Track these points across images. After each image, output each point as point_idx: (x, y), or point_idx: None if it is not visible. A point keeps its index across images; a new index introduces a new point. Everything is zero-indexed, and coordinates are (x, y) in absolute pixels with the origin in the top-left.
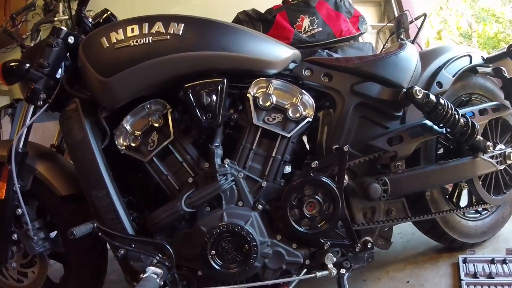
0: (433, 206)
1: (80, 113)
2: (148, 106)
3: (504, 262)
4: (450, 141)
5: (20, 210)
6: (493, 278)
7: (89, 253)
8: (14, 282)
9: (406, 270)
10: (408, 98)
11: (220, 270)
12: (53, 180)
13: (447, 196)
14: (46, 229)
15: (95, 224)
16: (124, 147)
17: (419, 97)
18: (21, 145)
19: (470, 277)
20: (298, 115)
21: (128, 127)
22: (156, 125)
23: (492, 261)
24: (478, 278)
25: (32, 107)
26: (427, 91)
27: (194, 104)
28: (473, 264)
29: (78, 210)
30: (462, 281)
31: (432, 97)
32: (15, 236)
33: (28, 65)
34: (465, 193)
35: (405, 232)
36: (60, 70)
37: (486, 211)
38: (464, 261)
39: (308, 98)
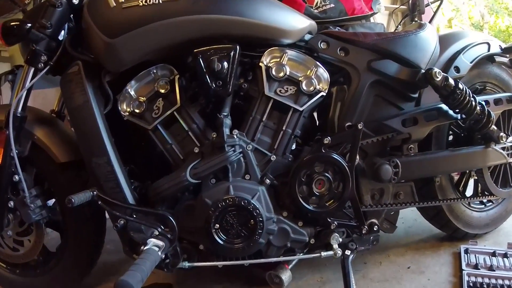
0: (440, 193)
1: (82, 76)
2: (155, 71)
3: (505, 256)
4: (461, 129)
5: (17, 177)
6: (494, 271)
7: (86, 223)
8: (10, 251)
9: (407, 256)
10: (426, 80)
11: (223, 245)
12: (52, 146)
13: (455, 185)
14: (43, 197)
15: (94, 192)
16: (127, 113)
17: (437, 79)
18: (19, 109)
19: (471, 268)
20: (311, 88)
21: (132, 93)
22: (162, 91)
23: (493, 254)
24: (479, 269)
25: (32, 70)
26: (446, 74)
27: (204, 70)
28: (475, 255)
29: (77, 178)
30: (463, 271)
31: (451, 81)
32: (11, 203)
33: (29, 25)
34: (471, 182)
35: (407, 218)
36: (63, 32)
37: (490, 203)
38: (466, 251)
39: (323, 72)
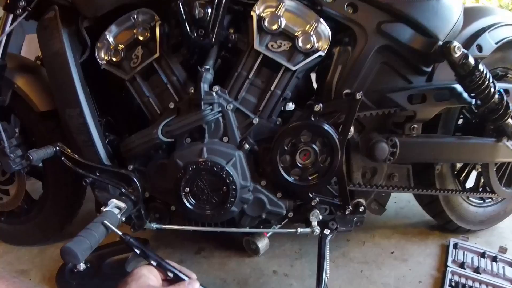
0: (439, 181)
1: (58, 22)
2: (135, 16)
3: (494, 259)
4: (473, 115)
5: None
6: (480, 273)
7: (66, 172)
8: None
9: (392, 240)
10: (443, 53)
11: (192, 210)
12: (32, 95)
13: (455, 174)
14: (25, 146)
15: (57, 148)
16: (105, 62)
17: (456, 55)
18: None
19: (456, 266)
20: (309, 46)
21: (111, 39)
22: (141, 38)
23: (482, 255)
24: (464, 269)
25: (11, 16)
26: (466, 51)
27: (184, 17)
28: (463, 252)
29: (58, 127)
30: (447, 268)
31: (471, 60)
32: None
33: None
34: (473, 174)
35: (401, 198)
36: None
37: (490, 200)
38: (455, 246)
39: (324, 28)
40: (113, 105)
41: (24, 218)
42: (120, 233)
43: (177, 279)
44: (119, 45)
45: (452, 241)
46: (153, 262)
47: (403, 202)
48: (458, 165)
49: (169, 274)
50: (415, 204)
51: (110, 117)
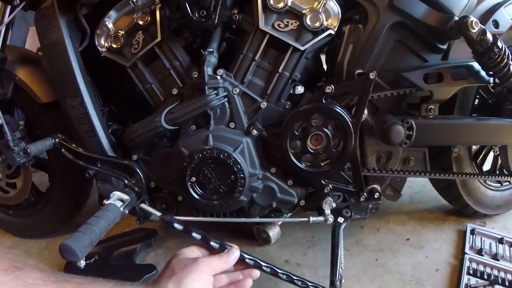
0: (456, 165)
1: (55, 10)
2: (134, 0)
3: None
4: (489, 94)
5: (0, 120)
6: (498, 260)
7: (71, 164)
8: (1, 193)
9: (407, 226)
10: (459, 29)
11: (199, 200)
12: (34, 87)
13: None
14: (29, 139)
15: (56, 140)
16: (105, 49)
17: (474, 31)
18: None
19: (474, 252)
20: (317, 24)
21: (110, 26)
22: (141, 23)
23: (500, 241)
24: (482, 255)
25: (9, 8)
26: (483, 27)
27: None
28: (481, 238)
29: (61, 119)
30: (465, 255)
31: (489, 36)
32: None
33: None
34: (490, 157)
35: (415, 182)
36: None
37: (507, 184)
38: (472, 232)
39: (333, 5)
40: (116, 93)
41: (31, 211)
42: (159, 214)
43: (222, 249)
44: (119, 31)
45: (469, 226)
46: (197, 236)
47: (417, 187)
48: (474, 148)
49: (214, 244)
50: (430, 188)
51: (113, 106)
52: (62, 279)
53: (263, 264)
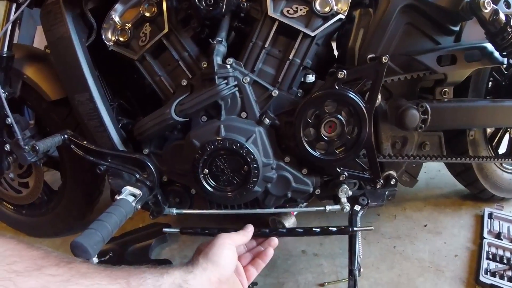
0: (472, 148)
1: (61, 6)
2: None
3: None
4: (503, 76)
5: (9, 120)
6: None
7: (83, 160)
8: (13, 193)
9: (424, 212)
10: (471, 10)
11: (213, 192)
12: (42, 84)
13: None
14: (39, 137)
15: (65, 136)
16: (112, 43)
17: (486, 11)
18: (5, 48)
19: (493, 237)
20: (327, 9)
21: (117, 19)
22: (148, 14)
23: None
24: (501, 240)
25: (14, 5)
26: (496, 7)
27: None
28: (499, 222)
29: (71, 115)
30: (484, 240)
31: (502, 16)
32: (7, 146)
33: None
34: (505, 140)
35: (430, 167)
36: None
37: None
38: (490, 216)
39: None
40: (125, 87)
41: (45, 210)
42: None
43: None
44: (126, 24)
45: (487, 210)
46: None
47: (433, 172)
48: (489, 131)
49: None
50: (446, 173)
51: (122, 100)
52: (110, 268)
53: (279, 229)
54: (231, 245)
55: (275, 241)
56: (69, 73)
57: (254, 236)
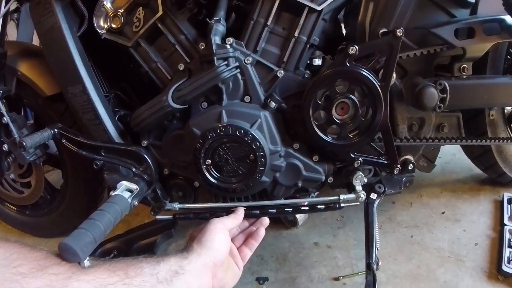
0: (491, 129)
1: None
2: None
3: None
4: None
5: (5, 119)
6: None
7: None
8: (15, 193)
9: (441, 198)
10: None
11: (217, 184)
12: (37, 80)
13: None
14: None
15: (55, 130)
16: (105, 31)
17: None
18: None
19: None
20: None
21: (108, 5)
22: None
23: None
24: None
25: (4, 1)
26: None
27: None
28: None
29: (69, 110)
30: (505, 227)
31: None
32: (5, 146)
33: None
34: None
35: (445, 151)
36: None
37: None
38: (510, 201)
39: None
40: (122, 77)
41: (48, 209)
42: None
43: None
44: (118, 10)
45: (506, 195)
46: None
47: (447, 156)
48: (507, 111)
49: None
50: (461, 157)
51: (119, 91)
52: (110, 262)
53: (269, 210)
54: (223, 229)
55: (266, 220)
56: (61, 65)
57: (246, 217)
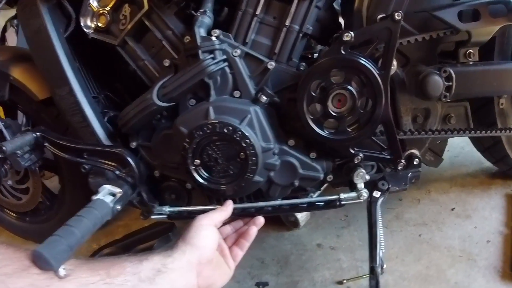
0: (500, 119)
1: None
2: None
3: None
4: None
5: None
6: None
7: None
8: (14, 200)
9: (451, 194)
10: None
11: (207, 185)
12: (29, 85)
13: None
14: None
15: (37, 134)
16: (92, 30)
17: None
18: None
19: None
20: None
21: (95, 4)
22: None
23: None
24: None
25: None
26: None
27: None
28: None
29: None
30: None
31: None
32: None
33: None
34: None
35: (453, 144)
36: None
37: None
38: None
39: None
40: (112, 78)
41: (47, 215)
42: None
43: None
44: (105, 8)
45: None
46: None
47: (456, 150)
48: None
49: None
50: (470, 150)
51: (110, 91)
52: (93, 261)
53: (264, 205)
54: (209, 225)
55: (260, 220)
56: (48, 67)
57: (240, 216)
